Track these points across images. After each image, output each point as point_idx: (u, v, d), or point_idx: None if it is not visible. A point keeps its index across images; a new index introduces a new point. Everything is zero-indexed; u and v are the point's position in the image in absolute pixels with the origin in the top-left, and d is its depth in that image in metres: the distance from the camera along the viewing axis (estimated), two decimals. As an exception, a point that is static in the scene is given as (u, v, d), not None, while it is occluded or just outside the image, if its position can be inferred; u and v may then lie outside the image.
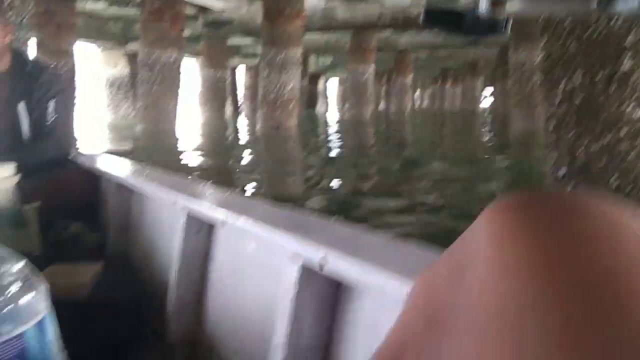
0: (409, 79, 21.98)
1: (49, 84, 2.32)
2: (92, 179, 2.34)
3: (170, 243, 1.47)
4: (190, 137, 11.27)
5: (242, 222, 0.98)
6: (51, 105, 2.32)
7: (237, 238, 1.14)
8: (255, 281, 1.06)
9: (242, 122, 16.81)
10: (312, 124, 16.12)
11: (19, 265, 0.53)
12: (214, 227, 1.26)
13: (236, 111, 21.87)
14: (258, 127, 12.32)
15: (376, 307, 0.72)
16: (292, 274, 0.78)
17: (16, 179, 1.88)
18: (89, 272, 1.48)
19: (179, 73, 12.06)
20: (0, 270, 0.51)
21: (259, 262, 1.04)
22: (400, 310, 0.20)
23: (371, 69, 17.17)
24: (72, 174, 2.35)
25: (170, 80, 11.81)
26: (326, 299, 0.79)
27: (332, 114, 25.72)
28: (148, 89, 11.70)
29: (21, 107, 2.25)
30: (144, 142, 10.33)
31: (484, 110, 28.39)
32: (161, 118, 11.71)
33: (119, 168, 2.00)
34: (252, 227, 0.93)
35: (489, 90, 29.69)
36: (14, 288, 0.50)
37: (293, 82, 12.17)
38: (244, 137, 12.66)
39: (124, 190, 1.95)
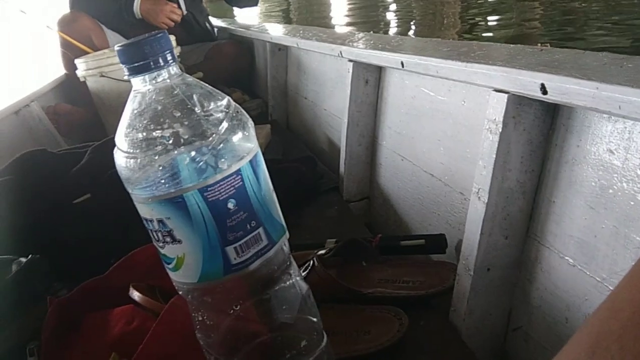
0: None
1: None
2: (249, 47, 2.36)
3: (337, 99, 1.43)
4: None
5: (422, 63, 0.87)
6: None
7: (413, 84, 1.05)
8: (436, 127, 0.97)
9: None
10: None
11: (224, 102, 0.49)
12: (385, 76, 1.18)
13: None
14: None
15: (608, 138, 0.60)
16: (499, 107, 0.68)
17: (178, 50, 1.93)
18: (260, 135, 1.50)
19: None
20: (208, 107, 0.47)
21: (443, 105, 0.94)
22: None
23: None
24: (229, 44, 2.38)
25: None
26: (541, 132, 0.69)
27: None
28: None
29: None
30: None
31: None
32: None
33: (275, 32, 1.96)
34: (436, 66, 0.82)
35: None
36: (225, 125, 0.47)
37: None
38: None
39: (282, 52, 1.93)
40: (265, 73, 2.07)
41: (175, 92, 0.47)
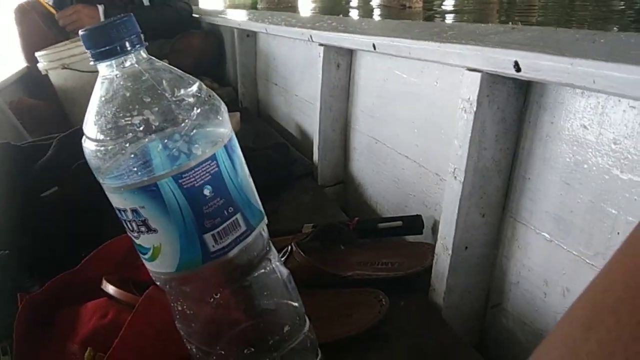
0: None
1: None
2: (217, 34, 2.32)
3: (308, 85, 1.42)
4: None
5: (394, 45, 0.87)
6: None
7: (385, 66, 1.04)
8: (410, 108, 0.97)
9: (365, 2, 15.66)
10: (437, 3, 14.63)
11: (195, 86, 0.47)
12: (356, 59, 1.17)
13: None
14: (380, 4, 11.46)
15: (581, 114, 0.61)
16: (472, 86, 0.67)
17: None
18: (230, 123, 1.47)
19: None
20: (179, 92, 0.45)
21: (416, 87, 0.94)
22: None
23: None
24: (197, 32, 2.34)
25: None
26: (515, 110, 0.69)
27: None
28: None
29: None
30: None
31: None
32: None
33: (241, 17, 1.93)
34: (409, 47, 0.82)
35: None
36: (197, 110, 0.45)
37: None
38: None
39: (250, 39, 1.90)
40: (234, 60, 2.04)
41: (144, 77, 0.45)
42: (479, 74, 0.67)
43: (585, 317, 0.22)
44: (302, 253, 0.81)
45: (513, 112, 0.69)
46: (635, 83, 0.46)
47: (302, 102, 1.53)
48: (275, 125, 1.77)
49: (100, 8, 2.12)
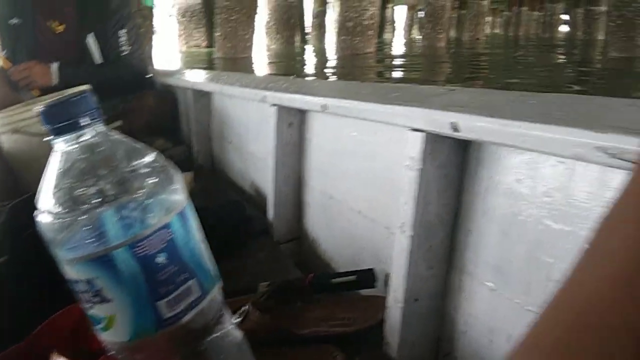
0: (486, 1, 19.87)
1: (117, 13, 2.29)
2: (171, 94, 2.34)
3: (262, 142, 1.45)
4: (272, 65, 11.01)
5: (343, 106, 0.91)
6: (122, 34, 2.30)
7: (336, 124, 1.08)
8: (360, 165, 1.01)
9: (319, 50, 16.15)
10: (386, 50, 15.26)
11: (150, 156, 0.49)
12: (308, 118, 1.21)
13: (304, 40, 21.10)
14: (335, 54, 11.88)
15: (516, 169, 0.65)
16: (416, 145, 0.72)
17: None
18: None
19: (256, 0, 11.79)
20: (134, 163, 0.47)
21: (365, 145, 0.98)
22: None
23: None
24: (151, 92, 2.36)
25: (248, 7, 11.52)
26: (456, 167, 0.73)
27: (399, 41, 24.03)
28: (226, 17, 11.48)
29: (90, 39, 2.24)
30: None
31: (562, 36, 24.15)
32: (240, 47, 11.55)
33: (196, 78, 1.97)
34: (357, 108, 0.86)
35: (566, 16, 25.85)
36: (152, 179, 0.47)
37: (373, 8, 11.63)
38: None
39: (204, 98, 1.94)
40: (188, 119, 2.06)
41: (100, 149, 0.47)
42: (422, 134, 0.71)
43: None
44: (258, 312, 0.82)
45: (454, 169, 0.74)
46: (559, 142, 0.51)
47: (256, 159, 1.56)
48: (230, 182, 1.79)
49: (54, 66, 2.12)
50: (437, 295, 0.78)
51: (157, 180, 0.47)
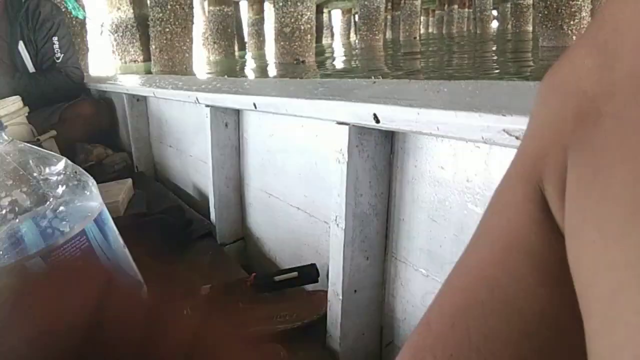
0: (419, 1, 20.21)
1: (49, 20, 2.21)
2: (108, 101, 2.29)
3: (201, 145, 1.43)
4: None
5: (272, 103, 0.91)
6: (55, 41, 2.23)
7: (269, 122, 1.09)
8: (294, 161, 1.01)
9: (259, 58, 16.01)
10: (327, 55, 15.30)
11: (61, 164, 0.48)
12: (243, 117, 1.21)
13: (243, 49, 20.90)
14: (275, 62, 11.82)
15: (438, 157, 0.67)
16: (343, 138, 0.72)
17: (26, 110, 1.83)
18: (121, 191, 1.45)
19: (192, 10, 11.52)
20: (45, 171, 0.46)
21: (298, 141, 0.99)
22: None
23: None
24: (86, 100, 2.30)
25: (183, 18, 11.28)
26: (384, 157, 0.74)
27: (338, 45, 24.15)
28: (161, 29, 11.22)
29: (21, 47, 2.16)
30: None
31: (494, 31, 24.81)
32: (177, 59, 11.30)
33: (131, 83, 1.93)
34: (285, 104, 0.86)
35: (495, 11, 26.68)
36: (64, 187, 0.46)
37: (309, 12, 11.63)
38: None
39: (141, 103, 1.90)
40: (126, 125, 2.02)
41: (7, 159, 0.46)
42: (347, 127, 0.72)
43: (410, 356, 0.26)
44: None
45: (382, 159, 0.75)
46: (468, 127, 0.53)
47: (196, 162, 1.54)
48: (172, 187, 1.76)
49: None
50: (376, 285, 0.79)
51: (69, 187, 0.46)
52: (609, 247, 0.15)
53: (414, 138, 0.71)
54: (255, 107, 0.96)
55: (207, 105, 1.21)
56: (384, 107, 0.64)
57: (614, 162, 0.16)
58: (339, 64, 11.77)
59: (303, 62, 11.12)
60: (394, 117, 0.62)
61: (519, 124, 0.46)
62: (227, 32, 16.10)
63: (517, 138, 0.46)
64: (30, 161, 0.46)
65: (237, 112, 1.21)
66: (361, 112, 0.68)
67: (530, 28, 15.81)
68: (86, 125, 2.18)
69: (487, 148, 0.59)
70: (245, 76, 9.58)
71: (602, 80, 0.18)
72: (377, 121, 0.65)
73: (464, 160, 0.63)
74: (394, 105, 0.63)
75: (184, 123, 1.60)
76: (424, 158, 0.70)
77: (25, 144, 0.48)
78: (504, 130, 0.47)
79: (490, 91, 0.59)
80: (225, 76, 1.56)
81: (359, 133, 0.72)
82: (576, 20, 9.37)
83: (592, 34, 0.19)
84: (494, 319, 0.22)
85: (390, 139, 0.75)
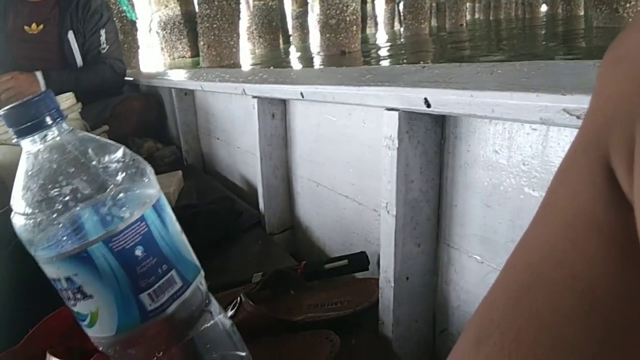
0: None
1: (98, 13, 2.28)
2: (157, 96, 2.34)
3: (248, 136, 1.45)
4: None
5: (319, 92, 0.91)
6: (102, 33, 2.29)
7: (316, 111, 1.08)
8: (342, 150, 1.01)
9: (304, 51, 16.01)
10: (372, 45, 15.17)
11: (120, 152, 0.49)
12: (290, 107, 1.21)
13: (288, 42, 20.96)
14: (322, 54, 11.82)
15: (492, 140, 0.66)
16: (392, 124, 0.72)
17: (79, 106, 1.89)
18: (172, 183, 1.48)
19: (238, 6, 11.66)
20: (104, 159, 0.47)
21: (346, 129, 0.98)
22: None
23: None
24: (136, 95, 2.36)
25: (230, 14, 11.44)
26: (435, 143, 0.73)
27: (381, 34, 23.85)
28: (209, 25, 11.41)
29: (70, 37, 2.23)
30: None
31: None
32: (225, 54, 11.48)
33: (179, 77, 1.97)
34: (332, 92, 0.86)
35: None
36: (123, 174, 0.47)
37: (354, 3, 11.60)
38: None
39: (188, 97, 1.93)
40: (175, 119, 2.06)
41: (68, 148, 0.47)
42: (397, 112, 0.71)
43: (475, 332, 0.25)
44: (251, 303, 0.82)
45: (433, 145, 0.74)
46: (525, 108, 0.51)
47: (244, 153, 1.56)
48: (221, 179, 1.79)
49: (39, 74, 2.11)
50: (428, 272, 0.78)
51: (127, 174, 0.47)
52: None
53: (466, 122, 0.69)
54: (303, 97, 0.96)
55: (254, 97, 1.22)
56: (435, 90, 0.63)
57: None
58: (384, 53, 11.62)
59: (349, 52, 11.07)
60: (446, 100, 0.61)
61: (580, 102, 0.45)
62: (271, 26, 16.23)
63: (578, 117, 0.44)
64: (90, 150, 0.48)
65: (284, 103, 1.22)
66: (411, 97, 0.67)
67: (581, 12, 15.22)
68: (137, 120, 2.23)
69: (544, 130, 0.57)
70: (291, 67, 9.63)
71: None
72: (429, 105, 0.64)
73: (520, 143, 0.61)
74: (446, 88, 0.62)
75: (231, 115, 1.62)
76: (476, 142, 0.68)
77: (85, 133, 0.50)
78: (563, 109, 0.46)
79: (547, 71, 0.57)
80: (272, 67, 1.56)
81: (408, 119, 0.71)
82: (632, 3, 9.01)
83: None
84: (562, 293, 0.21)
85: (441, 123, 0.73)
